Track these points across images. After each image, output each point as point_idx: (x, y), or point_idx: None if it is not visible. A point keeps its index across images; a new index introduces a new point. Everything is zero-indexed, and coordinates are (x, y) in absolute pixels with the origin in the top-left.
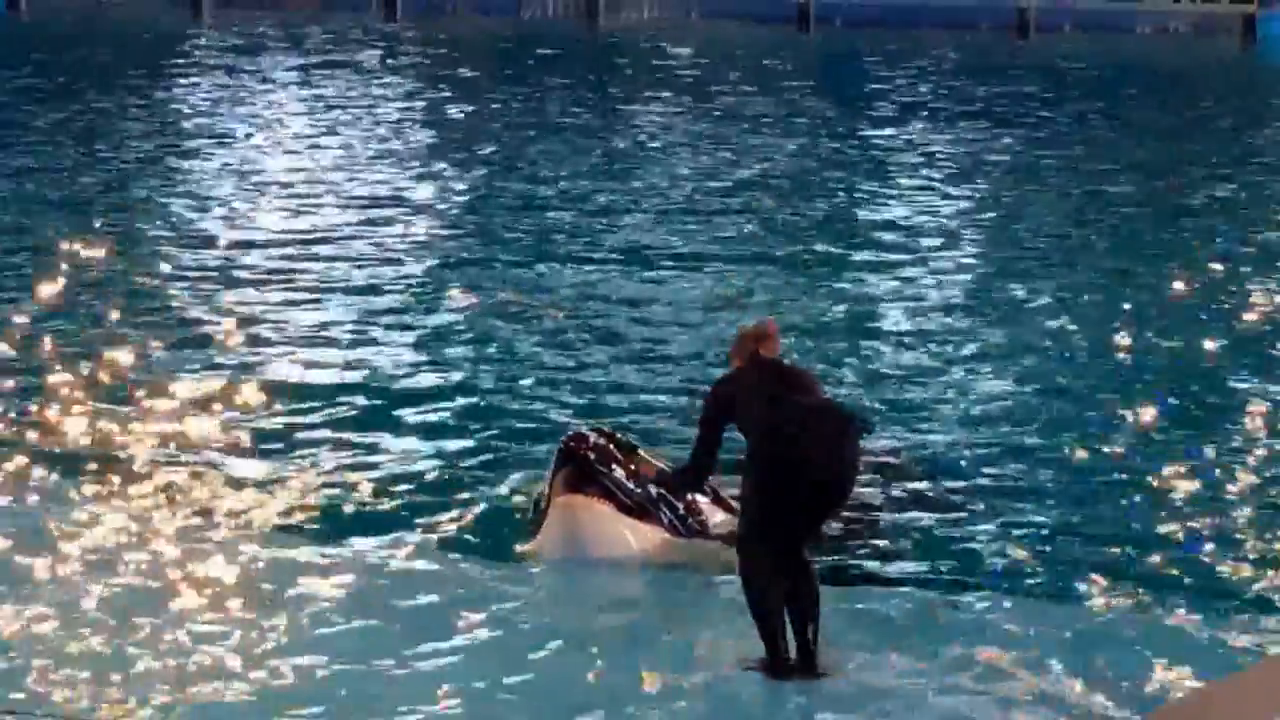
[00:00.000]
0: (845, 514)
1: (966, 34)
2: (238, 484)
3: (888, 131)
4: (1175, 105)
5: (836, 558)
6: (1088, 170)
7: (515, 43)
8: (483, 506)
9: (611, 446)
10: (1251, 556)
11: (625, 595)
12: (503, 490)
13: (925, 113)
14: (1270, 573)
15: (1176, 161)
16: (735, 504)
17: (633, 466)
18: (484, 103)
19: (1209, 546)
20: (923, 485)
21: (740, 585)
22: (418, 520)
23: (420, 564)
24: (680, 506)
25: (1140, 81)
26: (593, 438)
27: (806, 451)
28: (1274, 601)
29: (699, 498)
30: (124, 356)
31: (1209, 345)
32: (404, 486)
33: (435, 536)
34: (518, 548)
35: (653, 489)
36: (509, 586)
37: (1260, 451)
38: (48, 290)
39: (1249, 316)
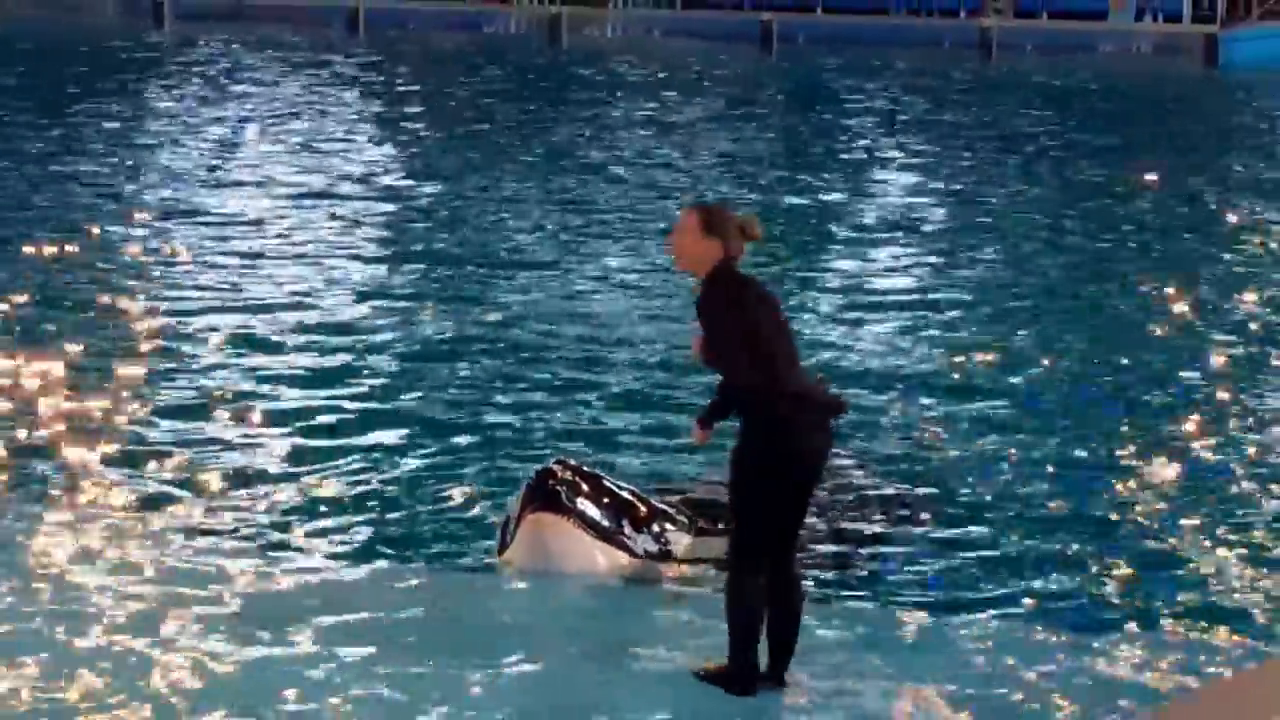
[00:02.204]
0: (820, 528)
1: (930, 53)
2: (208, 499)
3: (848, 149)
4: (1137, 124)
5: (811, 570)
6: (1049, 185)
7: (476, 59)
8: (451, 520)
9: (579, 479)
10: (1237, 568)
11: (592, 611)
12: (473, 504)
13: (887, 131)
14: (1256, 584)
15: (1138, 179)
16: (708, 526)
17: (602, 499)
18: (443, 118)
19: (1192, 558)
20: (899, 497)
21: (726, 600)
22: (384, 533)
23: (385, 578)
24: (649, 536)
25: (1103, 101)
26: (560, 471)
27: (810, 448)
28: (1259, 613)
29: (669, 525)
30: (83, 368)
31: (1182, 354)
32: (372, 501)
33: (401, 550)
34: (486, 562)
35: (623, 521)
36: (476, 599)
37: (1239, 462)
38: (4, 298)
39: (1217, 325)
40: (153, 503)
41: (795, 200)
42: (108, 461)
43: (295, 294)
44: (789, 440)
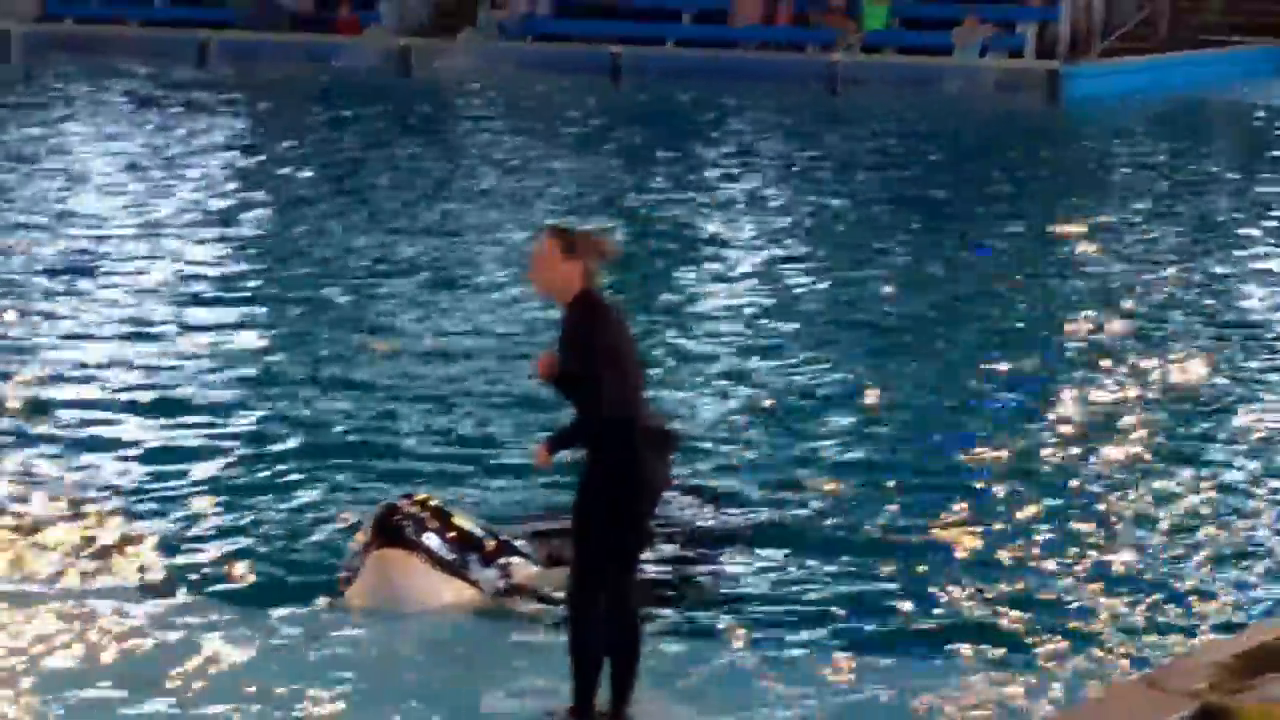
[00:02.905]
0: (668, 561)
1: (778, 87)
2: (44, 542)
3: (684, 180)
4: (977, 158)
5: (658, 606)
6: (884, 216)
7: (325, 91)
8: (293, 557)
9: (425, 514)
10: (1090, 590)
11: (437, 647)
12: (316, 540)
13: (726, 162)
14: (1112, 606)
15: (972, 211)
16: (553, 558)
17: (448, 533)
18: (290, 151)
19: (1047, 587)
20: (735, 527)
21: (568, 630)
22: (223, 573)
23: (225, 620)
24: (492, 568)
25: (943, 134)
26: (404, 506)
27: (658, 478)
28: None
29: (515, 558)
30: None
31: (1020, 380)
32: (213, 540)
33: (241, 590)
34: (331, 600)
35: (469, 555)
36: (318, 638)
37: (1089, 482)
38: None
39: (1053, 348)
40: None
41: (633, 229)
42: None
43: (138, 328)
44: (642, 469)
